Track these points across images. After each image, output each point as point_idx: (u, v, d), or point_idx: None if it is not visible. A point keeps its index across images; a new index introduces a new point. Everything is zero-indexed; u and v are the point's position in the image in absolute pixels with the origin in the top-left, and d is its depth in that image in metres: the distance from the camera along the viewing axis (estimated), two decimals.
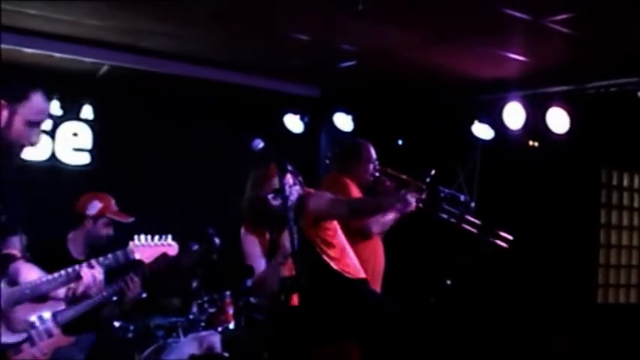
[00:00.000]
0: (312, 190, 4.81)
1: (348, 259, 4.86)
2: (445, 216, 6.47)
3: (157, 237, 4.20)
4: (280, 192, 4.32)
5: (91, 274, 3.89)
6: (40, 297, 3.98)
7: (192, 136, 8.17)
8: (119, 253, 4.13)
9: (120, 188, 5.80)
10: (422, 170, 6.29)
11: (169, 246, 4.31)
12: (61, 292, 4.10)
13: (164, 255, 4.30)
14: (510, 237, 6.23)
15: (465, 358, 7.59)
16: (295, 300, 4.51)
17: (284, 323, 4.68)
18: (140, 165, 7.86)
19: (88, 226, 5.40)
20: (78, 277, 3.83)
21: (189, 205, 7.49)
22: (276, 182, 4.49)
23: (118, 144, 7.86)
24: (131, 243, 4.16)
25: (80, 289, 3.95)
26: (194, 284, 6.72)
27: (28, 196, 7.16)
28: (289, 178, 4.52)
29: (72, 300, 4.22)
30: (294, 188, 4.57)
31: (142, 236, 4.18)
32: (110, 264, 4.16)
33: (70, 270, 3.85)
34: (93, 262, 3.95)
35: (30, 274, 3.86)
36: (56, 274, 3.87)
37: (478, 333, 7.76)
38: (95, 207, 5.41)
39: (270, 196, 4.59)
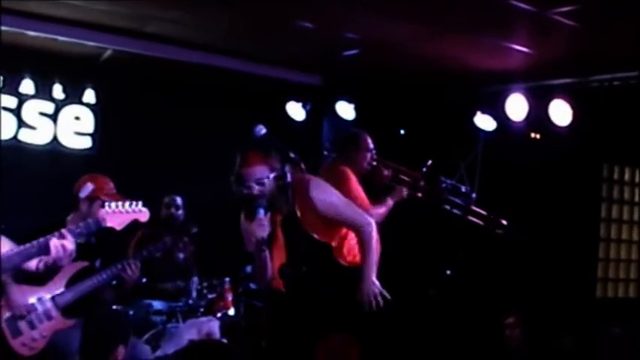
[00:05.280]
0: (309, 177, 4.73)
1: (347, 245, 4.84)
2: (448, 207, 6.53)
3: (127, 203, 4.15)
4: (282, 179, 4.31)
5: (60, 244, 3.86)
6: (28, 274, 3.95)
7: (194, 122, 8.18)
8: (90, 221, 4.10)
9: (121, 172, 5.79)
10: (422, 160, 6.32)
11: (140, 212, 4.27)
12: (32, 264, 4.08)
13: (135, 221, 4.26)
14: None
15: (463, 351, 7.60)
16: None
17: (282, 312, 4.68)
18: (141, 149, 7.88)
19: (83, 208, 5.36)
20: (47, 247, 3.80)
21: (190, 189, 7.50)
22: (248, 174, 4.40)
23: (119, 128, 7.88)
24: (101, 210, 4.12)
25: (50, 261, 3.93)
26: (181, 256, 6.75)
27: (30, 179, 7.29)
28: (261, 170, 4.47)
29: (43, 272, 4.20)
30: (266, 181, 4.49)
31: (113, 203, 4.13)
32: (81, 232, 4.13)
33: (41, 240, 3.82)
34: (64, 231, 3.91)
35: (2, 246, 3.84)
36: (27, 245, 3.85)
37: (476, 326, 7.77)
38: (87, 189, 5.34)
39: (240, 187, 4.44)
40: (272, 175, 4.45)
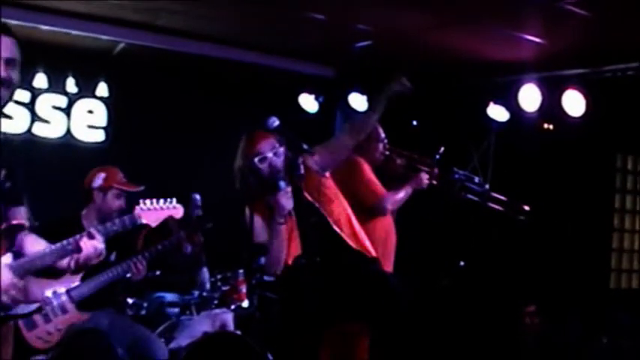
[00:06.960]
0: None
1: (357, 232, 4.86)
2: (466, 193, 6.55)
3: (162, 200, 4.19)
4: (293, 170, 4.33)
5: (91, 244, 3.88)
6: (48, 268, 3.96)
7: (207, 114, 8.18)
8: (125, 217, 4.13)
9: (134, 165, 5.82)
10: (435, 150, 6.32)
11: (174, 209, 4.30)
12: (65, 262, 4.12)
13: (171, 218, 4.29)
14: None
15: (475, 343, 7.59)
16: None
17: (294, 303, 4.70)
18: (154, 143, 7.88)
19: (98, 200, 5.40)
20: (78, 247, 3.83)
21: (204, 183, 7.50)
22: (260, 147, 4.61)
23: (132, 122, 7.89)
24: (137, 207, 4.16)
25: (81, 260, 3.95)
26: (189, 249, 6.75)
27: (43, 173, 7.32)
28: (272, 142, 4.61)
29: (74, 270, 4.23)
30: (279, 151, 4.62)
31: (147, 200, 4.17)
32: (117, 229, 4.16)
33: (71, 240, 3.85)
34: (92, 231, 3.94)
35: (36, 244, 3.86)
36: (59, 245, 3.87)
37: (489, 316, 7.77)
38: (99, 178, 5.41)
39: (255, 160, 4.64)
40: (282, 149, 4.54)
